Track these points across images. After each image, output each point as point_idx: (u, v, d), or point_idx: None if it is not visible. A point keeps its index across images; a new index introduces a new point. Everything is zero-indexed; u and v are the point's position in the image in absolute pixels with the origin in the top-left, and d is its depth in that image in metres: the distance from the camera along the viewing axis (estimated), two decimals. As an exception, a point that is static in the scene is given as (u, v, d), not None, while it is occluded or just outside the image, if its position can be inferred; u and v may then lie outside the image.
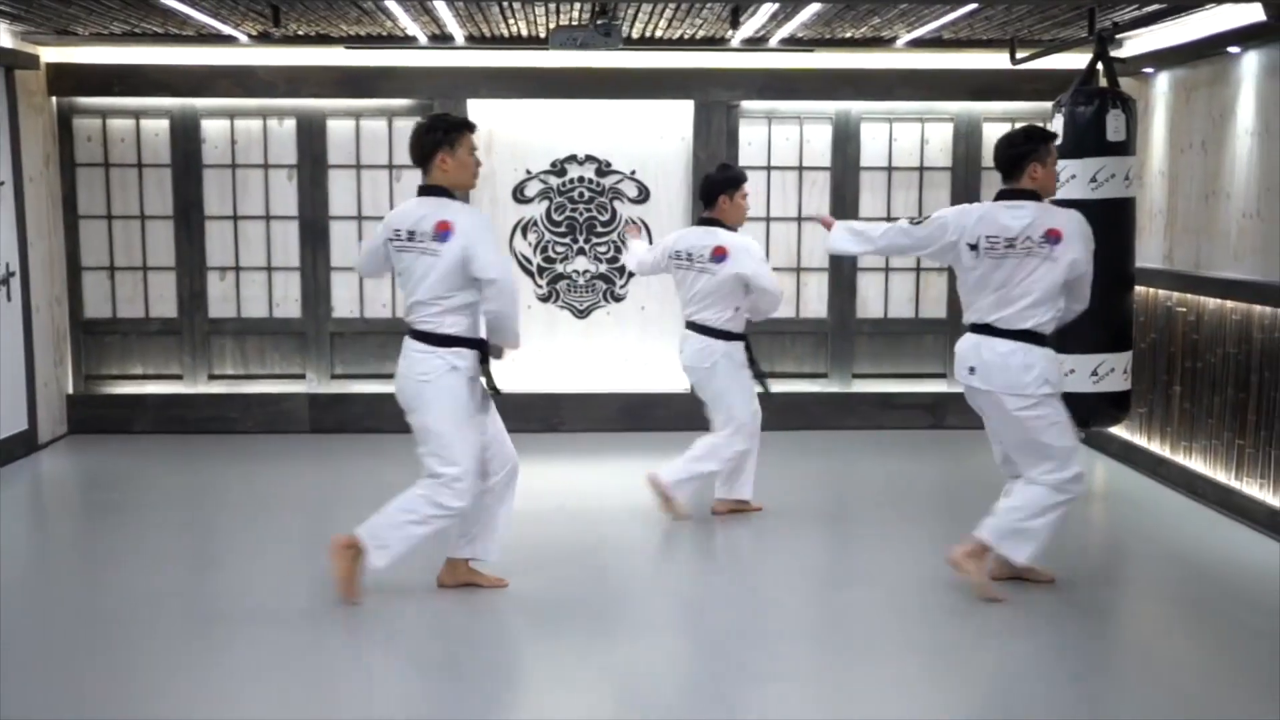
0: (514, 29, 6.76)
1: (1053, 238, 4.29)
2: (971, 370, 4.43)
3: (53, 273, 7.35)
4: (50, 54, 7.25)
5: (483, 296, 4.27)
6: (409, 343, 4.36)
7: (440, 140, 4.28)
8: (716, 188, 5.47)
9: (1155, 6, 5.58)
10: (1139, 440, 6.63)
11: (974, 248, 4.40)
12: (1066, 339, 5.47)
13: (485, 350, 4.40)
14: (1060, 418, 4.37)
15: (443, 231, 4.20)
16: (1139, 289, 6.30)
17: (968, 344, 4.48)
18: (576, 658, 4.07)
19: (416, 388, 4.31)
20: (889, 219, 7.75)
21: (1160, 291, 6.43)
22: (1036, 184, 4.40)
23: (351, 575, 4.40)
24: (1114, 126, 5.34)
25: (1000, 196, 4.48)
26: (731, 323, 5.45)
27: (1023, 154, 4.40)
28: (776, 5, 5.80)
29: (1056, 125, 5.62)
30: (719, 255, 5.34)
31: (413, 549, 4.42)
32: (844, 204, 7.70)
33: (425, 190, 4.35)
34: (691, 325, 5.53)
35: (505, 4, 5.92)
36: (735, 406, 5.51)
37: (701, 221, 5.56)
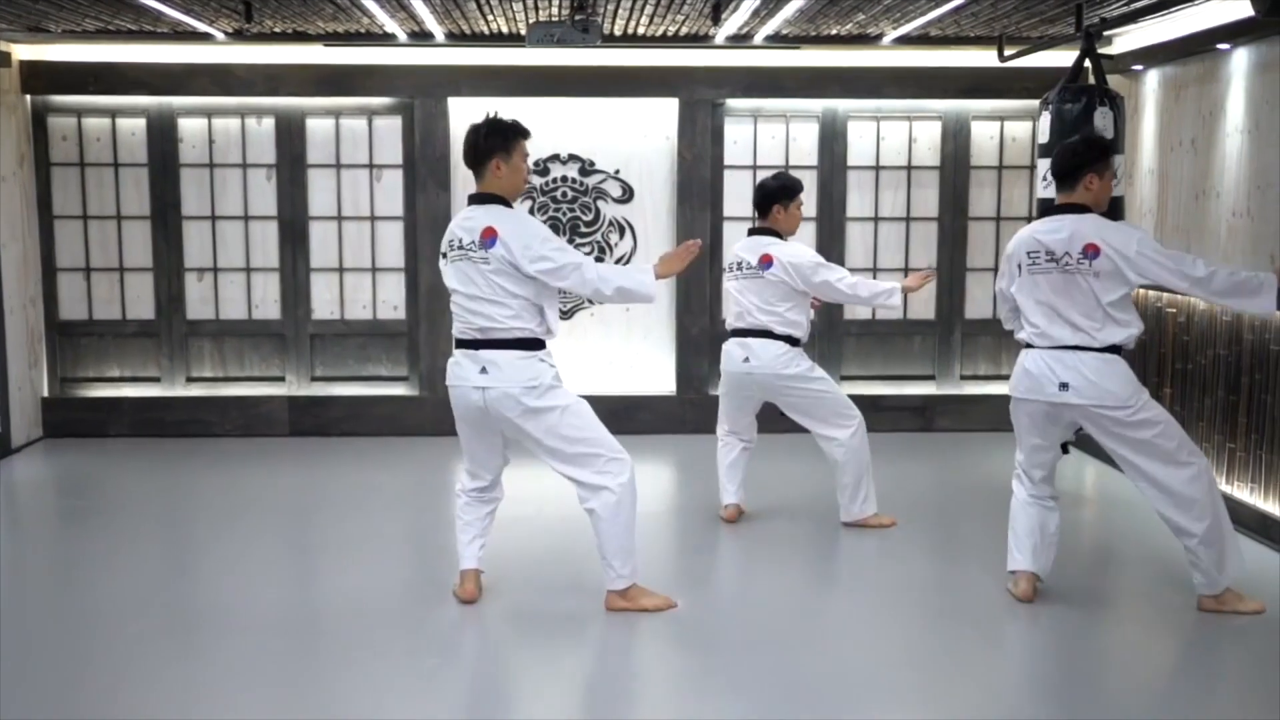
0: (493, 26, 6.66)
1: (1090, 253, 4.18)
2: (1064, 386, 4.24)
3: (27, 274, 7.24)
4: (23, 51, 7.14)
5: (574, 288, 4.20)
6: (498, 353, 4.16)
7: (498, 145, 4.18)
8: (772, 197, 5.33)
9: (1142, 2, 5.49)
10: (1129, 443, 6.54)
11: (1019, 266, 4.35)
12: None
13: None
14: (1163, 417, 4.27)
15: (488, 239, 4.12)
16: (1128, 289, 6.22)
17: (1049, 359, 4.29)
18: (556, 667, 3.98)
19: (523, 398, 4.15)
20: (876, 219, 7.68)
21: (1150, 292, 6.33)
22: (1090, 195, 4.29)
23: (655, 598, 4.41)
24: (1102, 124, 5.27)
25: (1043, 212, 4.40)
26: (804, 332, 5.36)
27: (1082, 163, 4.27)
28: (758, 1, 5.70)
29: (1044, 123, 5.56)
30: (766, 262, 5.24)
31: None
32: (831, 203, 7.62)
33: (474, 199, 4.27)
34: (756, 331, 5.31)
35: (482, 0, 5.82)
36: (838, 396, 5.40)
37: (751, 233, 5.41)
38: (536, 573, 4.90)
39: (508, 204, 4.25)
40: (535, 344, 4.21)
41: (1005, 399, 4.57)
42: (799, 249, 5.34)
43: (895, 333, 7.78)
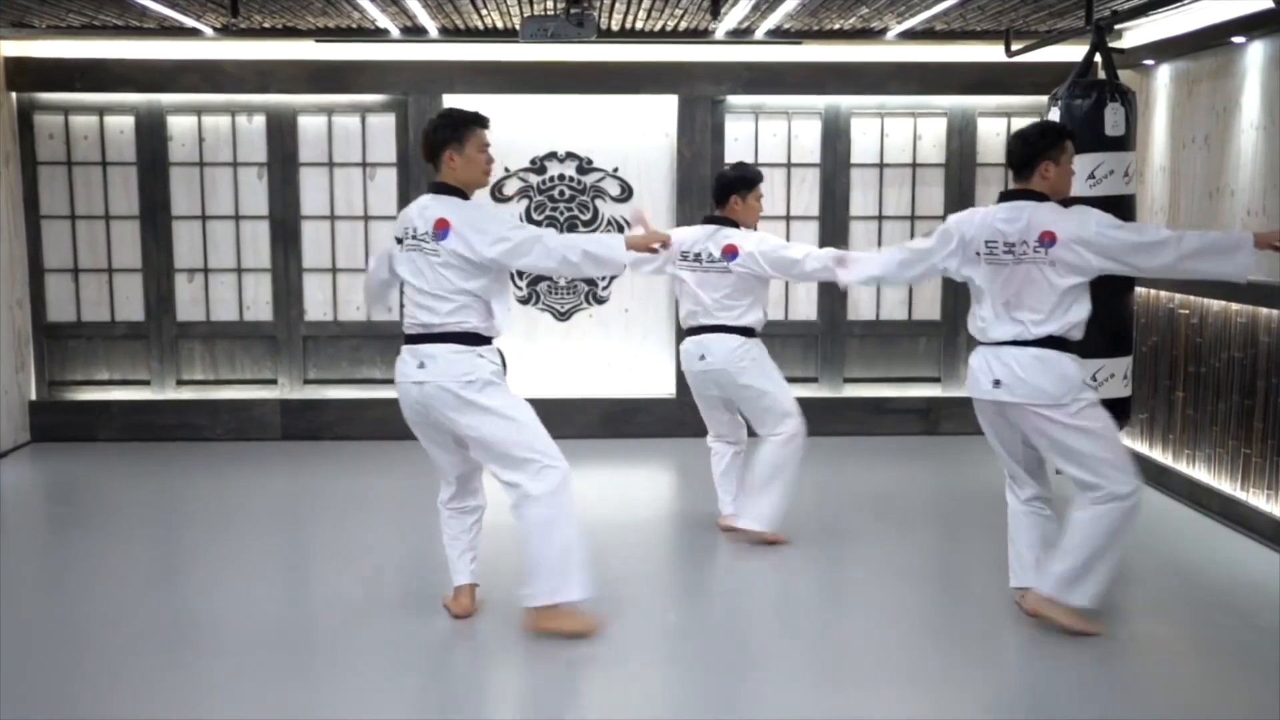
0: (488, 21, 6.52)
1: (1046, 241, 4.02)
2: (997, 383, 4.11)
3: (14, 275, 7.11)
4: (8, 48, 7.01)
5: (533, 269, 4.07)
6: (435, 347, 4.03)
7: (448, 137, 4.06)
8: (729, 187, 5.18)
9: (1155, -6, 5.33)
10: (1140, 448, 6.38)
11: (978, 254, 4.17)
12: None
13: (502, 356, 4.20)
14: (1105, 431, 4.09)
15: (441, 230, 3.99)
16: (1139, 290, 6.07)
17: (988, 355, 4.16)
18: (545, 685, 3.86)
19: (460, 392, 4.00)
20: (880, 217, 7.53)
21: (1162, 293, 6.18)
22: (1048, 183, 4.12)
23: (575, 621, 4.13)
24: (1112, 121, 5.10)
25: (1002, 198, 4.23)
26: (759, 321, 5.20)
27: (1036, 151, 4.11)
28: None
29: (1053, 119, 5.39)
30: (730, 253, 5.09)
31: (580, 560, 4.12)
32: (834, 202, 7.46)
33: (432, 188, 4.15)
34: (711, 328, 5.17)
35: (475, -6, 5.69)
36: (781, 398, 5.21)
37: (708, 220, 5.27)
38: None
39: (465, 195, 4.10)
40: (476, 339, 4.06)
41: (1012, 403, 4.41)
42: (761, 234, 5.18)
43: (900, 334, 7.63)
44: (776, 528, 5.24)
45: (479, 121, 4.12)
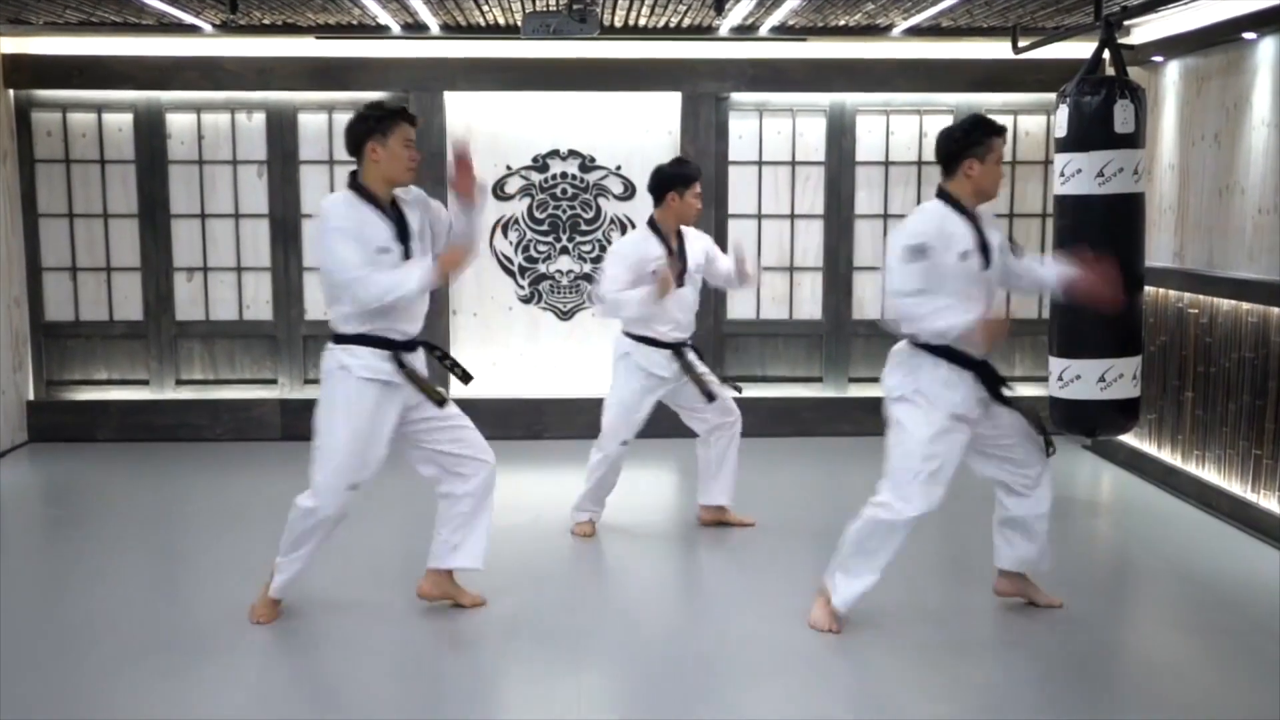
0: (489, 17, 6.46)
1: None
2: None
3: (11, 274, 7.05)
4: (6, 44, 6.96)
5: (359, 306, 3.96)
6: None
7: (372, 129, 3.96)
8: (665, 183, 5.06)
9: (1166, -10, 5.27)
10: (1148, 448, 6.33)
11: None
12: (1073, 343, 5.20)
13: (411, 350, 4.10)
14: (907, 438, 4.02)
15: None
16: (1148, 289, 6.00)
17: None
18: (545, 686, 3.80)
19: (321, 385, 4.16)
20: (885, 216, 7.47)
21: (1171, 292, 6.12)
22: (971, 182, 3.99)
23: (265, 608, 4.33)
24: (1122, 118, 5.04)
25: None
26: (632, 323, 5.20)
27: (961, 147, 4.00)
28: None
29: (1061, 117, 5.33)
30: None
31: (300, 568, 4.27)
32: (839, 200, 7.41)
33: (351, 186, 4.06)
34: None
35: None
36: (615, 415, 5.32)
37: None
38: (530, 583, 4.72)
39: (365, 196, 3.95)
40: (340, 337, 4.02)
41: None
42: (615, 248, 5.25)
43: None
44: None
45: (405, 116, 4.03)
